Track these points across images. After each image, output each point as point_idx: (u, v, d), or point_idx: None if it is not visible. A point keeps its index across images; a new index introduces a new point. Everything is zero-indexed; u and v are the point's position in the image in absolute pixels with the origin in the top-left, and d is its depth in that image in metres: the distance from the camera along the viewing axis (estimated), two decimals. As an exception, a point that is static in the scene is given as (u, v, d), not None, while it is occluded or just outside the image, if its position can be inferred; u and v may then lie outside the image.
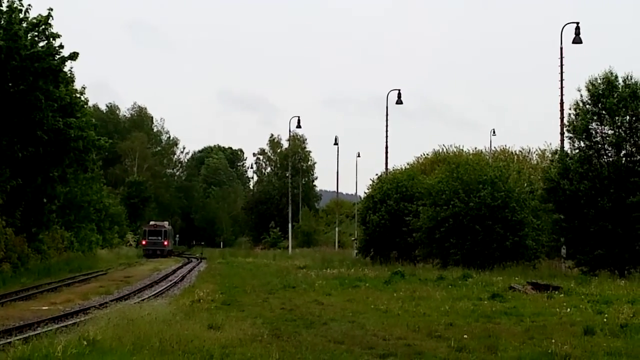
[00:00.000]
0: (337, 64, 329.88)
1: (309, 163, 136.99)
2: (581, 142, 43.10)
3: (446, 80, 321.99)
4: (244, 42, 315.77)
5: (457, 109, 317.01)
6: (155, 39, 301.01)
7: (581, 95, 42.86)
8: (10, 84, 45.63)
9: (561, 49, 50.47)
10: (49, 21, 47.12)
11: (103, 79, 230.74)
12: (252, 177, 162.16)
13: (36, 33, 46.87)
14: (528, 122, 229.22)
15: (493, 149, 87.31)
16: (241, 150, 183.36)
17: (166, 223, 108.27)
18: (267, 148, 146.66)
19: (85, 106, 55.71)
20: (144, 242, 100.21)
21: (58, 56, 47.45)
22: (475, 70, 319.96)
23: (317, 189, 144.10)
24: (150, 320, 20.20)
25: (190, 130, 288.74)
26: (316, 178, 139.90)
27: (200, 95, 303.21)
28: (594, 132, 42.56)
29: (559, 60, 50.49)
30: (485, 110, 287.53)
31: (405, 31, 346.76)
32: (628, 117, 41.74)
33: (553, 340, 17.30)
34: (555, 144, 55.36)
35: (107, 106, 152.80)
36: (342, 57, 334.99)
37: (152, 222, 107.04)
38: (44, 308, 30.88)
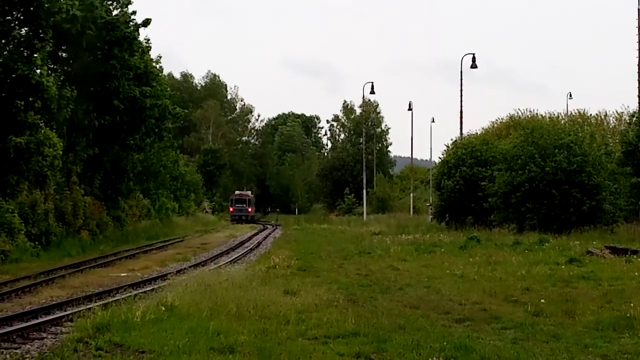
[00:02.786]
0: (398, 29, 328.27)
1: (383, 128, 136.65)
2: (659, 104, 42.43)
3: (510, 44, 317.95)
4: (304, 8, 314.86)
5: (522, 72, 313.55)
6: (214, 7, 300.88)
7: (658, 57, 42.14)
8: (86, 54, 46.15)
9: (639, 10, 49.61)
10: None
11: (169, 47, 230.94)
12: (327, 144, 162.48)
13: (110, 1, 47.29)
14: (600, 85, 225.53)
15: (569, 112, 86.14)
16: (317, 117, 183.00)
17: (249, 192, 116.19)
18: (340, 114, 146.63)
19: (160, 75, 56.09)
20: (231, 209, 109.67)
21: (132, 23, 47.85)
22: (541, 33, 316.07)
23: (392, 154, 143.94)
24: (227, 286, 20.37)
25: (259, 96, 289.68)
26: (390, 144, 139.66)
27: (264, 63, 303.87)
28: (672, 93, 41.86)
29: (637, 21, 49.67)
30: (553, 73, 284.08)
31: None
32: None
33: (632, 304, 17.08)
34: (633, 107, 54.45)
35: (181, 75, 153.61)
36: (404, 22, 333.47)
37: (237, 192, 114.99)
38: (122, 274, 31.33)
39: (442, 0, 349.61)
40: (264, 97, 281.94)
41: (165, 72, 74.23)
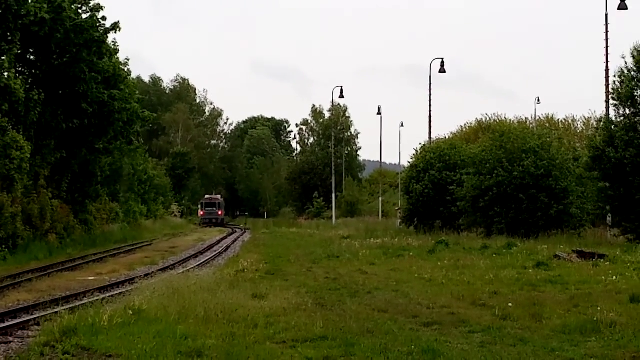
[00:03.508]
0: (366, 34, 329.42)
1: (352, 132, 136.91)
2: (626, 109, 42.55)
3: (478, 50, 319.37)
4: (273, 13, 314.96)
5: (490, 78, 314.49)
6: (183, 11, 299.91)
7: (626, 62, 42.31)
8: (54, 57, 45.94)
9: (606, 15, 49.85)
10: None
11: (138, 51, 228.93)
12: (296, 148, 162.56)
13: (80, 5, 47.08)
14: (568, 90, 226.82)
15: (537, 117, 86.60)
16: (287, 121, 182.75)
17: (219, 196, 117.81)
18: (309, 118, 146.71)
19: (129, 78, 55.86)
20: (201, 213, 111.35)
21: (101, 28, 47.67)
22: (508, 39, 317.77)
23: (361, 159, 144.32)
24: (195, 289, 20.33)
25: (229, 100, 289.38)
26: (360, 148, 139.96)
27: (234, 67, 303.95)
28: (639, 99, 42.02)
29: (604, 27, 49.92)
30: (520, 79, 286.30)
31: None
32: (674, 84, 41.18)
33: (599, 308, 17.23)
34: (600, 112, 54.73)
35: (150, 78, 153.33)
36: (372, 28, 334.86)
37: (207, 196, 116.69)
38: (90, 278, 31.16)
39: (411, 6, 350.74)
40: (234, 101, 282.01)
41: (134, 76, 74.02)
